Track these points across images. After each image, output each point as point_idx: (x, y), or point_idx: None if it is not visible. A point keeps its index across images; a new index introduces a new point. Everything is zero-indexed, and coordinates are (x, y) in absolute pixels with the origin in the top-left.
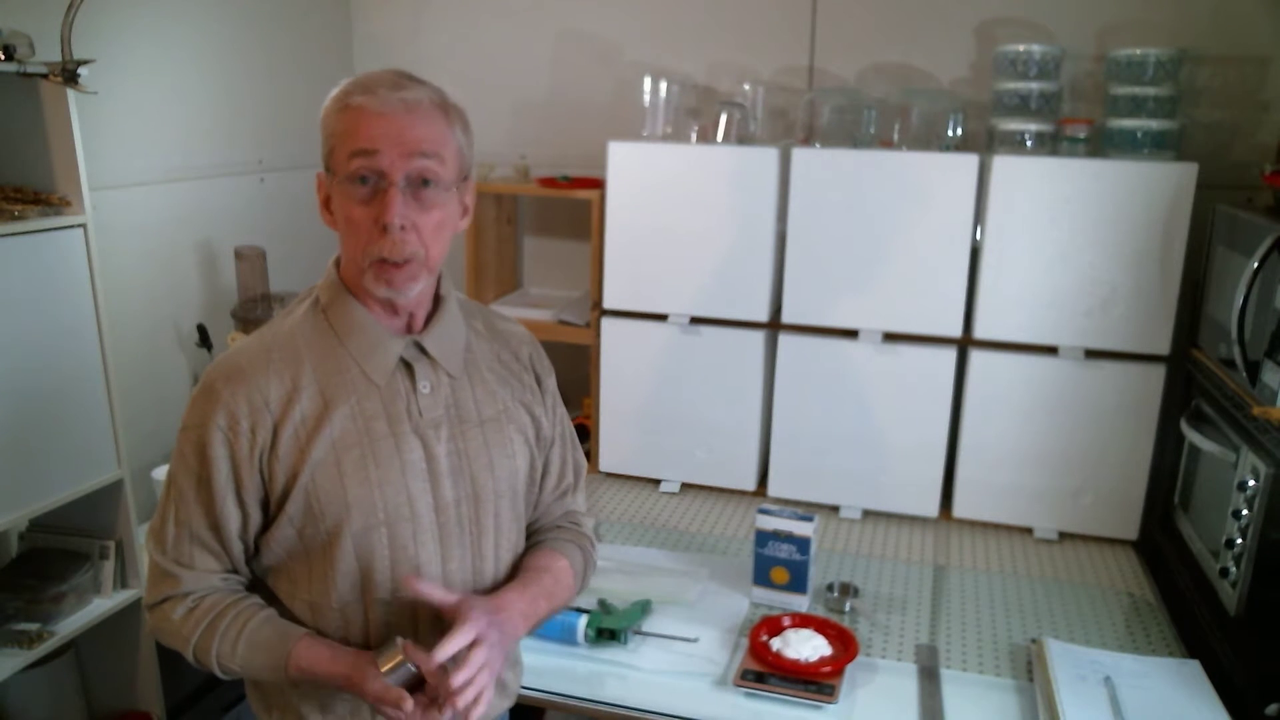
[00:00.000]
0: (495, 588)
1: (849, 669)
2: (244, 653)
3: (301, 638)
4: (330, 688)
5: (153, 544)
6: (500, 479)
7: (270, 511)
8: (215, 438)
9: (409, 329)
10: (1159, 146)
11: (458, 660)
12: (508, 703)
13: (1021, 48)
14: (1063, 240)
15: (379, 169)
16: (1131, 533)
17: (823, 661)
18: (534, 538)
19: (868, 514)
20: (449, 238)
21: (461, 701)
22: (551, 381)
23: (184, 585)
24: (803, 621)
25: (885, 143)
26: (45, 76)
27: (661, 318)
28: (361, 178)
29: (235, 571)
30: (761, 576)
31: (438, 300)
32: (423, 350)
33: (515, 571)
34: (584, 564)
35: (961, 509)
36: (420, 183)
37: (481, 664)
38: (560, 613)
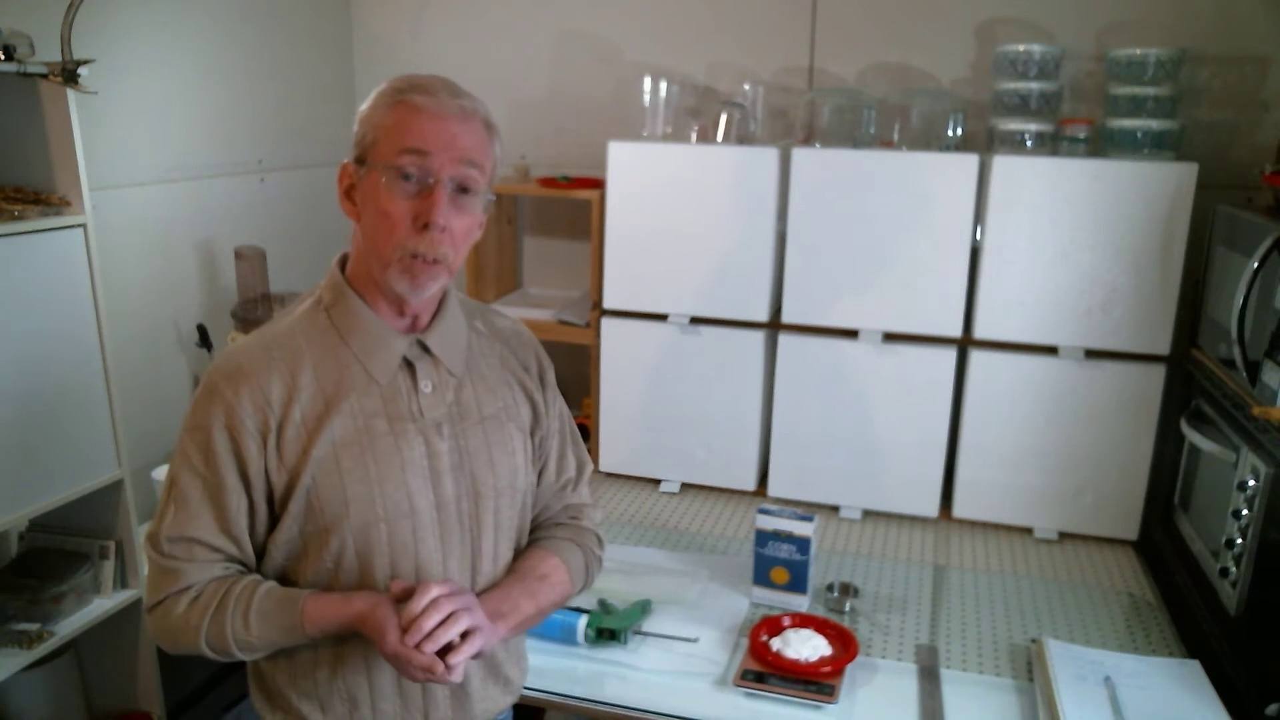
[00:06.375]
0: (493, 585)
1: (849, 669)
2: (257, 624)
3: (309, 594)
4: (347, 629)
5: (150, 546)
6: (500, 476)
7: (275, 510)
8: (220, 437)
9: (413, 328)
10: (1159, 146)
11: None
12: (511, 698)
13: (1021, 48)
14: (1063, 240)
15: (429, 168)
16: (1131, 533)
17: (823, 661)
18: (534, 534)
19: (868, 514)
20: (470, 246)
21: (416, 635)
22: (551, 376)
23: (184, 579)
24: (803, 621)
25: (885, 143)
26: (45, 76)
27: (661, 318)
28: (406, 174)
29: (240, 564)
30: (761, 576)
31: (441, 300)
32: (425, 349)
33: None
34: (583, 561)
35: (961, 509)
36: (461, 189)
37: (444, 606)
38: (557, 611)
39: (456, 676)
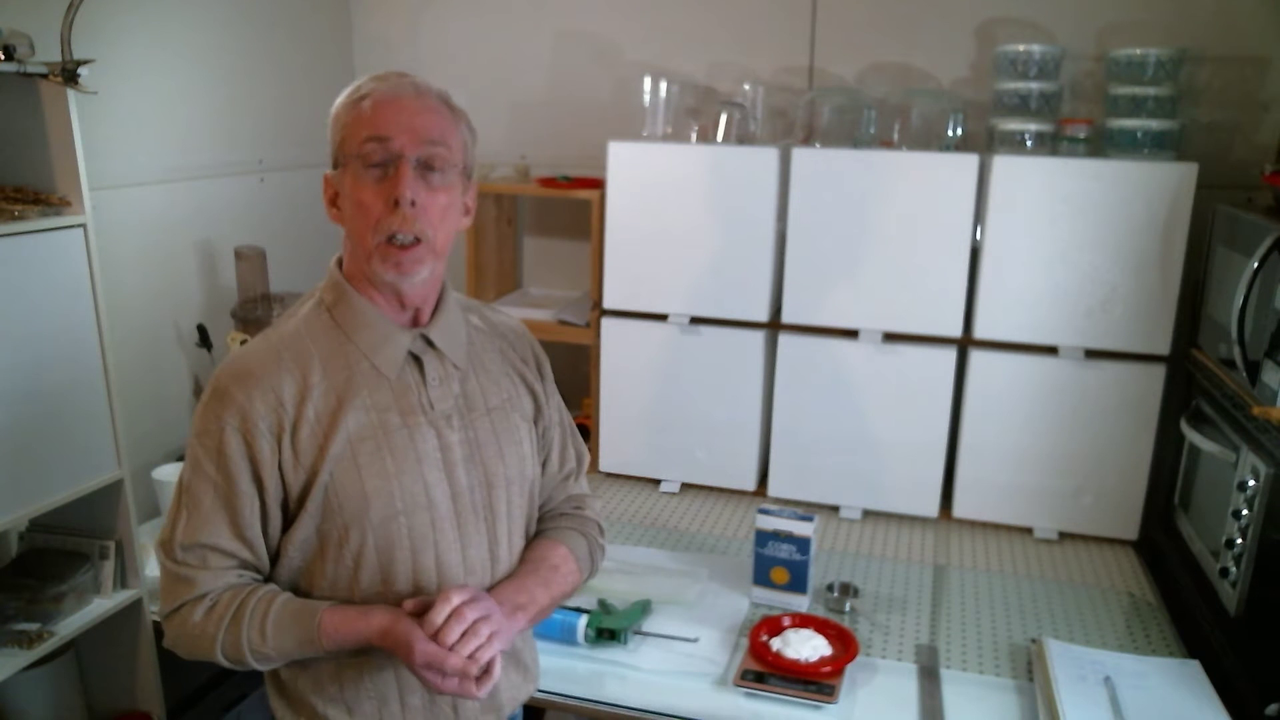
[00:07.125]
0: (509, 573)
1: (849, 669)
2: (274, 635)
3: (327, 608)
4: (366, 644)
5: (162, 553)
6: (510, 465)
7: (290, 511)
8: (233, 440)
9: (415, 323)
10: (1159, 146)
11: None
12: (531, 685)
13: (1021, 48)
14: (1063, 240)
15: (392, 151)
16: (1131, 533)
17: (823, 661)
18: (539, 524)
19: (868, 514)
20: (453, 227)
21: (448, 639)
22: (548, 369)
23: (199, 587)
24: (803, 621)
25: (885, 143)
26: (45, 76)
27: (661, 318)
28: (372, 161)
29: (255, 569)
30: (761, 576)
31: (440, 295)
32: (430, 343)
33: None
34: (589, 549)
35: (961, 509)
36: (429, 167)
37: (468, 614)
38: (566, 602)
39: (483, 693)
